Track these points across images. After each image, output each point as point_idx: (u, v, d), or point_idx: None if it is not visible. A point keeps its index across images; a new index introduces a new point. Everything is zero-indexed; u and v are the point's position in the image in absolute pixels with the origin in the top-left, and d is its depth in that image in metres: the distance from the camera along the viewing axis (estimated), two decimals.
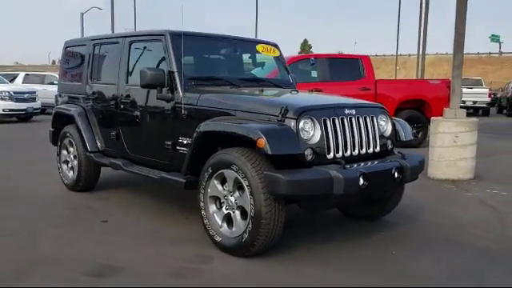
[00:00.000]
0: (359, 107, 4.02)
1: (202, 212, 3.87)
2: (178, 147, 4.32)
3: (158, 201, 5.36)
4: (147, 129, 4.71)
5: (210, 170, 3.76)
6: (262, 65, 5.61)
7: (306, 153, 3.52)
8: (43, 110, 17.23)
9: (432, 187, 6.36)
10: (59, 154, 6.04)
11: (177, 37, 4.41)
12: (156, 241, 4.05)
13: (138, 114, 4.78)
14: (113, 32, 31.28)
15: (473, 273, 3.54)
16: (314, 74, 10.07)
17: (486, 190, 6.10)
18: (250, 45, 5.21)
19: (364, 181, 3.50)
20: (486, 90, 23.08)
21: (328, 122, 3.68)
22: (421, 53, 21.14)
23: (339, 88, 8.96)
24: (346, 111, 3.84)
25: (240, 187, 3.60)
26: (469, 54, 55.50)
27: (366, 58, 10.44)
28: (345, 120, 3.80)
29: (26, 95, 15.91)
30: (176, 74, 4.33)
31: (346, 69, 10.10)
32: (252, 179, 3.41)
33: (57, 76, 19.75)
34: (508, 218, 4.89)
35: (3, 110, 15.31)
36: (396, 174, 3.83)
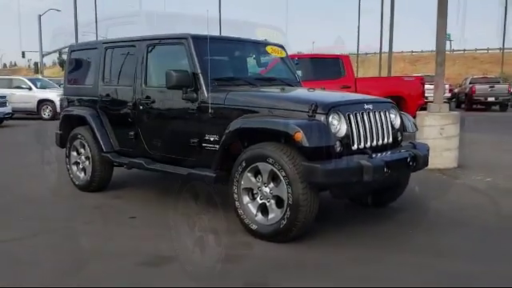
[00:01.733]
0: (374, 102, 4.41)
1: (236, 203, 4.15)
2: (204, 144, 4.58)
3: (171, 197, 5.58)
4: (170, 128, 4.94)
5: (244, 164, 4.05)
6: (264, 65, 5.94)
7: (335, 145, 3.88)
8: (12, 114, 16.89)
9: (422, 176, 6.85)
10: (68, 156, 6.15)
11: (198, 40, 4.67)
12: (190, 231, 4.30)
13: (160, 113, 5.00)
14: (76, 34, 30.83)
15: (485, 244, 4.02)
16: (299, 72, 10.45)
17: (472, 176, 6.66)
18: (260, 47, 5.53)
19: (387, 168, 3.89)
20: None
21: (352, 117, 4.06)
22: (385, 50, 21.99)
23: (322, 86, 9.39)
24: (365, 106, 4.23)
25: (274, 178, 3.92)
26: (423, 51, 57.63)
27: (346, 57, 10.95)
28: (364, 114, 4.19)
29: None
30: (200, 76, 4.59)
31: (327, 68, 10.56)
32: (289, 170, 3.74)
33: (24, 80, 19.61)
34: (499, 201, 5.43)
35: None
36: (411, 162, 4.25)
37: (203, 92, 4.56)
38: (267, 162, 3.88)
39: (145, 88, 5.16)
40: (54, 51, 36.54)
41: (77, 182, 6.02)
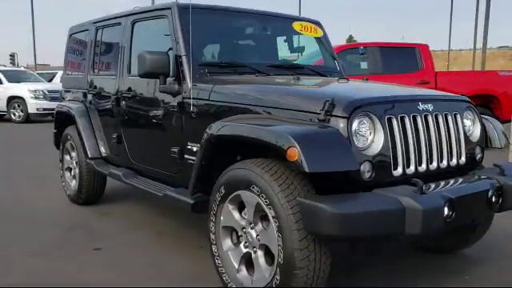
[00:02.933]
0: (438, 100, 2.81)
1: (213, 248, 2.78)
2: (186, 155, 3.26)
3: (171, 219, 4.32)
4: (150, 131, 3.68)
5: (224, 191, 2.66)
6: (301, 50, 4.45)
7: (362, 168, 2.36)
8: None
9: None
10: (62, 160, 5.13)
11: (186, 10, 3.34)
12: (154, 279, 3.01)
13: (140, 112, 3.77)
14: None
15: None
16: (364, 65, 8.78)
17: None
18: (284, 22, 4.05)
19: (450, 211, 2.30)
20: None
21: (394, 122, 2.50)
22: (481, 46, 19.24)
23: (393, 81, 7.65)
24: (420, 106, 2.65)
25: (264, 217, 2.48)
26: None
27: (425, 46, 9.04)
28: (418, 119, 2.61)
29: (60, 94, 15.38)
30: (184, 59, 3.27)
31: (401, 59, 8.76)
32: (280, 208, 2.29)
33: None
34: None
35: (37, 110, 14.88)
36: (493, 198, 2.60)
37: (187, 82, 3.23)
38: (251, 191, 2.46)
39: (127, 77, 3.94)
40: None
41: (67, 192, 4.98)
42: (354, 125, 2.38)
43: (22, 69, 20.18)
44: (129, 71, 3.94)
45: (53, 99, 15.11)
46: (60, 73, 19.85)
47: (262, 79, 3.33)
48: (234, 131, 2.61)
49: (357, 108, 2.41)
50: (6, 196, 5.22)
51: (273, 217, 2.34)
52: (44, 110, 14.98)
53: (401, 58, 8.81)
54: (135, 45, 3.93)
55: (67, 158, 5.06)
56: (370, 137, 2.43)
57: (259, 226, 2.53)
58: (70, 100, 5.12)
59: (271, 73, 3.52)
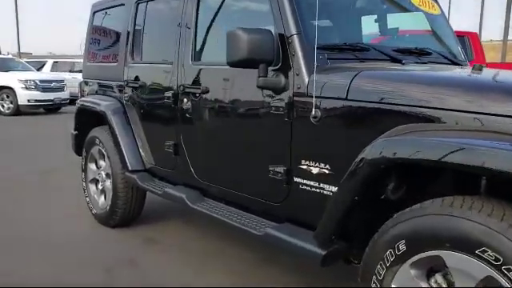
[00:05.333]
0: None
1: None
2: (296, 178, 2.28)
3: (244, 249, 3.35)
4: (233, 141, 2.68)
5: (404, 248, 1.69)
6: (394, 31, 3.46)
7: None
8: (72, 100, 15.57)
9: None
10: (85, 170, 4.11)
11: None
12: None
13: (216, 114, 2.77)
14: None
15: None
16: None
17: None
18: None
19: None
20: None
21: None
22: None
23: None
24: None
25: None
26: None
27: (474, 35, 8.14)
28: None
29: (53, 84, 14.21)
30: (295, 39, 2.28)
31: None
32: None
33: None
34: None
35: (28, 101, 13.64)
36: None
37: (301, 73, 2.24)
38: (477, 257, 1.49)
39: (192, 66, 2.93)
40: None
41: (94, 211, 3.96)
42: None
43: (11, 56, 18.80)
44: (194, 58, 2.93)
45: (45, 90, 13.98)
46: (50, 61, 18.62)
47: (413, 69, 2.37)
48: (435, 154, 1.62)
49: None
50: (7, 211, 4.18)
51: None
52: (36, 101, 13.78)
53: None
54: (202, 22, 2.92)
55: (92, 167, 4.04)
56: None
57: None
58: (95, 94, 4.09)
59: (403, 60, 2.54)
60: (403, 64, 2.48)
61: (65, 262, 3.14)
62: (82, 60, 15.51)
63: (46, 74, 16.34)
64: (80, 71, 16.99)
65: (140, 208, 3.81)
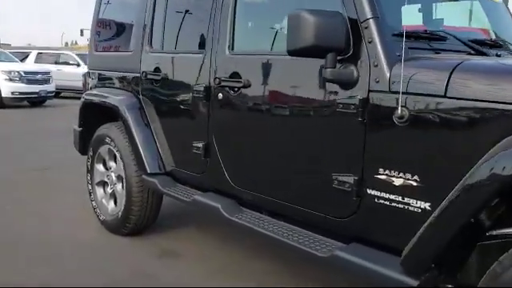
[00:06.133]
0: None
1: None
2: (371, 190, 1.91)
3: (275, 261, 2.98)
4: (284, 143, 2.29)
5: None
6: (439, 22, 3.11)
7: None
8: (58, 93, 15.01)
9: None
10: (91, 171, 3.68)
11: None
12: None
13: (262, 111, 2.38)
14: None
15: None
16: None
17: None
18: None
19: None
20: None
21: None
22: None
23: None
24: None
25: None
26: None
27: None
28: None
29: (38, 76, 13.60)
30: (371, 24, 1.91)
31: None
32: None
33: (73, 55, 17.57)
34: None
35: (12, 93, 12.98)
36: None
37: (380, 64, 1.88)
38: None
39: (230, 56, 2.54)
40: None
41: (102, 217, 3.54)
42: None
43: None
44: (232, 46, 2.53)
45: (30, 82, 13.36)
46: (34, 52, 17.89)
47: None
48: None
49: None
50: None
51: None
52: (20, 93, 13.15)
53: None
54: (243, 3, 2.52)
55: (100, 168, 3.62)
56: None
57: None
58: (103, 87, 3.66)
59: (488, 52, 2.20)
60: (498, 56, 2.14)
61: (72, 274, 2.73)
62: (67, 52, 14.90)
63: (32, 65, 15.70)
64: (65, 63, 16.73)
65: (156, 214, 3.41)
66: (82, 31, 41.99)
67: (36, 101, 13.71)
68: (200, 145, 2.72)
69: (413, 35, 2.04)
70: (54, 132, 8.04)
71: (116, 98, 3.31)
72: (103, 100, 3.43)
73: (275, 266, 2.95)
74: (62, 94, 15.99)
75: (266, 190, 2.41)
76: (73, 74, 16.31)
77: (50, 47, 30.01)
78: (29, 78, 13.33)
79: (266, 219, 2.38)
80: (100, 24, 3.78)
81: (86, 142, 3.73)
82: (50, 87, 13.95)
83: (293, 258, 2.87)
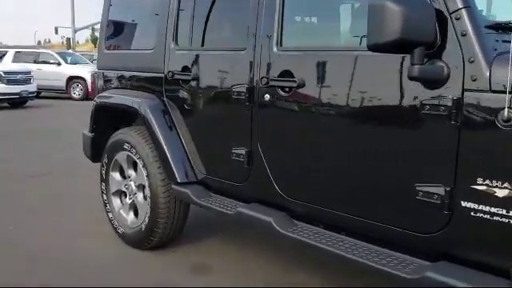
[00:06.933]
0: None
1: None
2: (466, 202, 1.69)
3: (314, 273, 2.75)
4: (351, 150, 2.05)
5: None
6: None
7: None
8: (38, 93, 14.47)
9: None
10: (105, 180, 3.39)
11: None
12: None
13: (322, 114, 2.14)
14: None
15: None
16: None
17: None
18: None
19: None
20: None
21: None
22: None
23: None
24: None
25: None
26: None
27: None
28: None
29: (19, 76, 13.08)
30: (466, 15, 1.69)
31: None
32: None
33: (53, 54, 16.98)
34: None
35: None
36: None
37: (477, 60, 1.65)
38: None
39: (279, 53, 2.28)
40: (86, 27, 34.16)
41: (121, 230, 3.25)
42: None
43: None
44: (281, 42, 2.28)
45: (10, 82, 12.82)
46: (12, 51, 17.22)
47: None
48: None
49: None
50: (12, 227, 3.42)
51: None
52: (0, 94, 12.60)
53: None
54: None
55: (117, 176, 3.33)
56: None
57: None
58: (118, 89, 3.36)
59: None
60: None
61: None
62: (46, 50, 14.41)
63: (11, 65, 15.11)
64: (45, 62, 16.20)
65: (182, 226, 3.14)
66: (56, 29, 40.92)
67: (17, 102, 13.18)
68: (242, 151, 2.46)
69: (506, 27, 1.83)
70: (43, 133, 7.67)
71: (137, 100, 3.01)
72: (121, 103, 3.13)
73: (315, 280, 2.73)
74: (42, 94, 15.43)
75: (326, 201, 2.16)
76: (54, 73, 15.85)
77: (22, 45, 29.15)
78: (9, 78, 12.80)
79: (326, 234, 2.14)
80: (112, 19, 3.47)
81: (99, 148, 3.43)
82: (32, 87, 13.43)
83: (331, 272, 2.67)
